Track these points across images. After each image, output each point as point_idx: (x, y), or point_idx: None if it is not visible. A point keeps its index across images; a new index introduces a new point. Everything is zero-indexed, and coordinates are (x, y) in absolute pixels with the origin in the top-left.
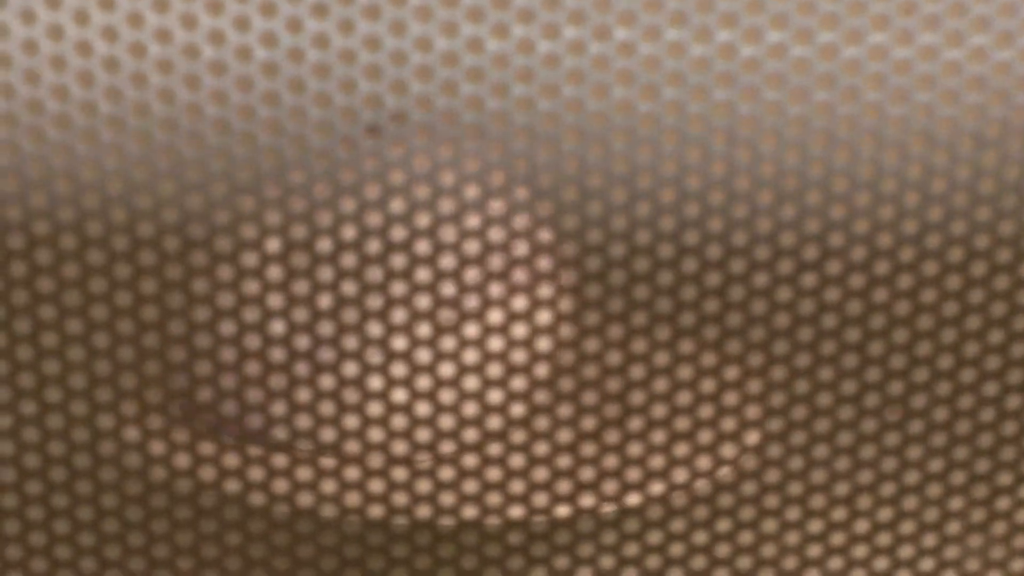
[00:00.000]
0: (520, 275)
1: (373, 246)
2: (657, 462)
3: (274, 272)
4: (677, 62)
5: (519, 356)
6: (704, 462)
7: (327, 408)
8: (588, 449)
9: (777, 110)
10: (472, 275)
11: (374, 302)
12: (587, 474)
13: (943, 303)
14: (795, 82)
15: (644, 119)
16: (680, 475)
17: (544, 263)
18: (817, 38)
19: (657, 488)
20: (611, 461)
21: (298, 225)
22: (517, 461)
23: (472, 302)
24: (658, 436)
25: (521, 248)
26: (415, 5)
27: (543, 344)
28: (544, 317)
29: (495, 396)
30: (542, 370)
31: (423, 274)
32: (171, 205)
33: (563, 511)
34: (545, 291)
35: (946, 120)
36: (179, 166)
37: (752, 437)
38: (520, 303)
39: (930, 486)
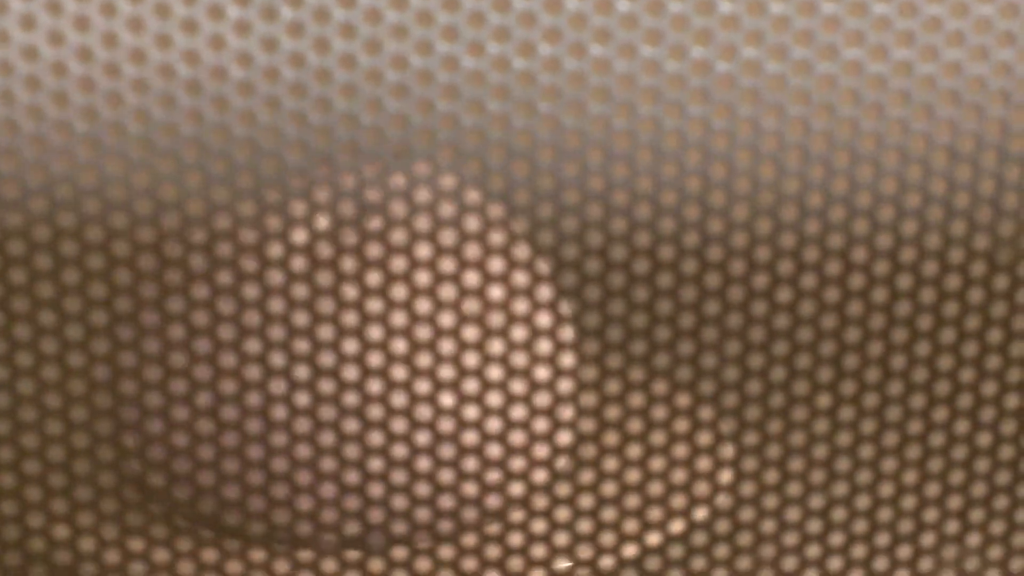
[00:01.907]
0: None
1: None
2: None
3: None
4: (653, 78)
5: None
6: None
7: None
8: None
9: (753, 125)
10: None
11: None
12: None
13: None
14: (769, 98)
15: (619, 134)
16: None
17: (522, 280)
18: (792, 54)
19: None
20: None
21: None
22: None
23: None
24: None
25: (497, 265)
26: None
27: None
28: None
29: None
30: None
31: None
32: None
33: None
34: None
35: (920, 135)
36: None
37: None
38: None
39: (902, 522)
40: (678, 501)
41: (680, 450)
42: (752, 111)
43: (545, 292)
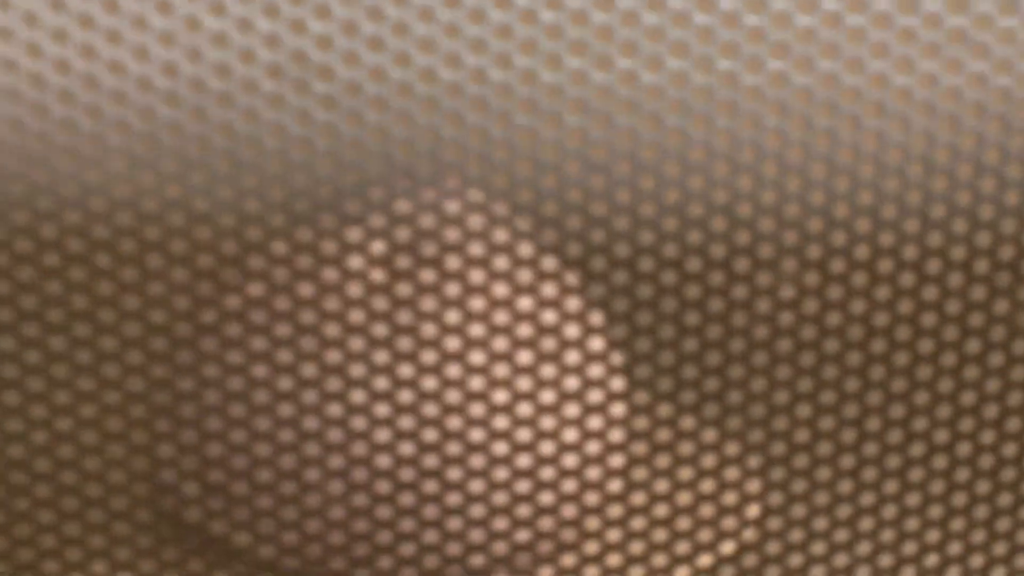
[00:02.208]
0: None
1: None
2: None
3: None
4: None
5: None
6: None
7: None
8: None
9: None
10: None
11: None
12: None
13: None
14: (748, 110)
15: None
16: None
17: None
18: (768, 67)
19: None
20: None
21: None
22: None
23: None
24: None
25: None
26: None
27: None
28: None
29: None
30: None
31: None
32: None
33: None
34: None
35: (897, 147)
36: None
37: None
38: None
39: (927, 556)
40: (704, 535)
41: (707, 485)
42: (731, 123)
43: (574, 329)
